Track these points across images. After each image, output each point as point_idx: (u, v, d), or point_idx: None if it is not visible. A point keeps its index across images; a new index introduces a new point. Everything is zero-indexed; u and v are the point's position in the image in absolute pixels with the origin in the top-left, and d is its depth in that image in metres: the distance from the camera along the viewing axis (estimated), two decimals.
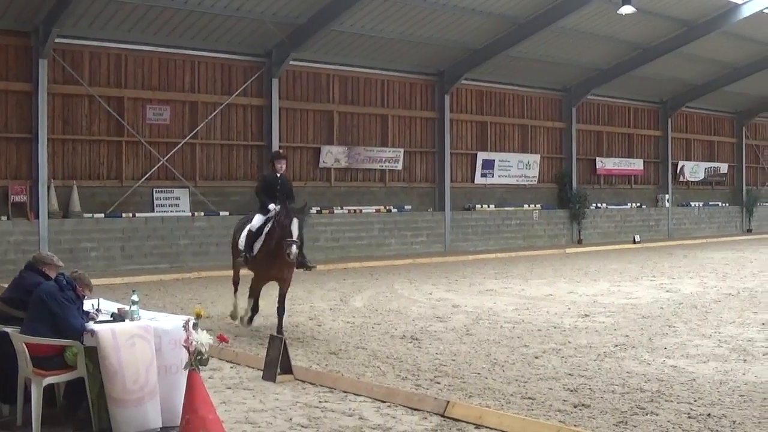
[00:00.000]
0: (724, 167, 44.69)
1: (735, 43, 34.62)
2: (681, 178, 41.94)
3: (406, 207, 30.66)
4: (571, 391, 9.56)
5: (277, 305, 13.17)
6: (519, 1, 27.32)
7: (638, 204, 39.59)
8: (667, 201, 40.74)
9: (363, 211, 29.44)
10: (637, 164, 39.51)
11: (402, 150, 30.36)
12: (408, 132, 30.92)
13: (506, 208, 33.86)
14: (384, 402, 9.02)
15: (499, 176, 33.76)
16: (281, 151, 14.29)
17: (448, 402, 8.64)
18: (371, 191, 30.00)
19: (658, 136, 40.84)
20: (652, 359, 11.27)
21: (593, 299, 17.64)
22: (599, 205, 37.46)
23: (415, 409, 8.72)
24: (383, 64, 29.54)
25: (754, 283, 20.47)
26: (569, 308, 16.28)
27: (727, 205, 44.89)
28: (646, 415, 8.51)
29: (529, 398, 9.23)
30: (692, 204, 42.54)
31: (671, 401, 9.06)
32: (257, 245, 13.14)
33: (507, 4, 27.31)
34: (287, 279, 13.31)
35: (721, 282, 20.83)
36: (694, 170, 42.81)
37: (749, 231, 44.35)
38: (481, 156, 33.04)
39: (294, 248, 12.24)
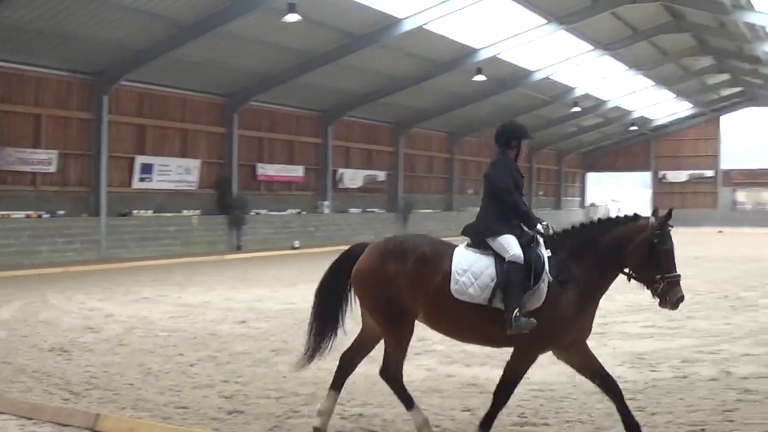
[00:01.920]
0: (381, 175, 46.72)
1: (395, 57, 36.38)
2: (340, 185, 43.37)
3: (59, 212, 29.19)
4: (226, 398, 9.53)
5: (600, 379, 7.59)
6: (183, 3, 26.91)
7: (298, 210, 40.41)
8: (327, 207, 41.92)
9: (12, 215, 27.63)
10: (297, 171, 40.36)
11: (56, 152, 28.91)
12: (63, 133, 29.49)
13: (165, 214, 33.29)
14: (30, 419, 8.53)
15: (158, 181, 33.14)
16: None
17: (98, 415, 8.33)
18: (21, 195, 28.22)
19: (319, 144, 41.95)
20: None
21: (250, 305, 17.78)
22: (259, 211, 37.80)
23: (64, 425, 8.32)
24: (37, 60, 27.96)
25: None
26: (226, 315, 16.29)
27: (385, 211, 46.94)
28: (301, 418, 8.65)
29: (183, 407, 9.09)
30: (351, 210, 44.06)
31: None
32: (540, 290, 7.42)
33: (170, 6, 26.80)
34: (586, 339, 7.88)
35: None
36: (352, 177, 44.37)
37: None
38: (140, 160, 32.25)
39: (682, 292, 7.34)
